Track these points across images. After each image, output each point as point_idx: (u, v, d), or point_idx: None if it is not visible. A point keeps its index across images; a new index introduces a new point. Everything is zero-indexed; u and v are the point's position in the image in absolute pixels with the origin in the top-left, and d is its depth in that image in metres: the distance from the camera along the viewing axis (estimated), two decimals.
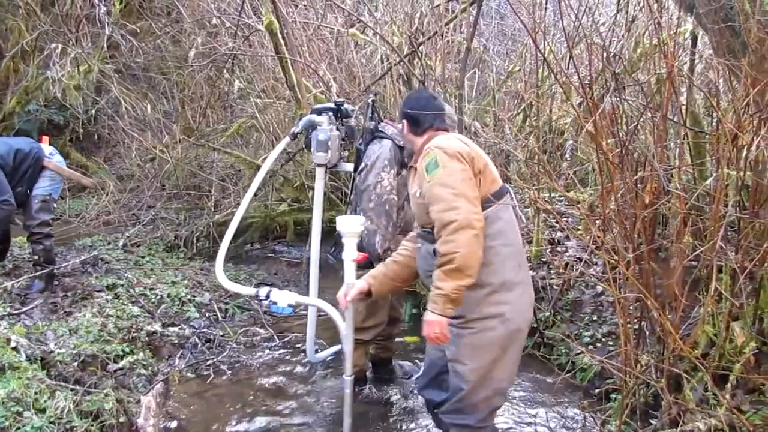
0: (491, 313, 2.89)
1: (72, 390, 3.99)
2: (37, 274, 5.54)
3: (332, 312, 3.67)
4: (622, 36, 6.00)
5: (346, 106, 4.31)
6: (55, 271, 5.80)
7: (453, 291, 2.76)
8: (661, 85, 3.96)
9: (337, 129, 4.24)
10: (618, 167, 3.44)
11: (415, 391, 4.43)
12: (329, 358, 4.99)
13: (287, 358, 5.18)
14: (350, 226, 3.55)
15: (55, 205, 5.88)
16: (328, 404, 4.45)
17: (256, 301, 6.24)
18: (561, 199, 6.49)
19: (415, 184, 3.07)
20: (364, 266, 4.21)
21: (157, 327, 5.23)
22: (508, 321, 2.89)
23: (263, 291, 3.67)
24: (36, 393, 3.76)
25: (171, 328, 5.34)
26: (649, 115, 3.69)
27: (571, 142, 7.39)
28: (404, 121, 3.30)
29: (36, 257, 5.59)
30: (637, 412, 3.66)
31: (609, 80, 4.00)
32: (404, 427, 4.15)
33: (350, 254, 3.53)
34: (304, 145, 4.48)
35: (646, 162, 3.64)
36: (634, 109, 4.21)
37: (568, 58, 5.88)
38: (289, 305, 3.67)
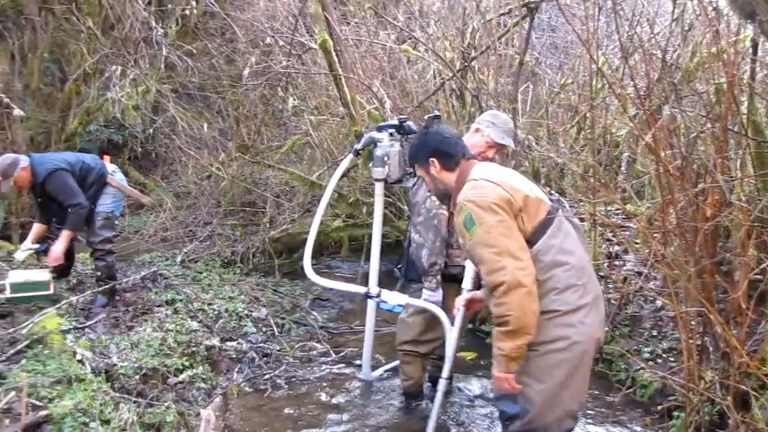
0: (557, 336, 2.79)
1: (135, 402, 4.09)
2: (99, 289, 5.67)
3: (439, 313, 3.91)
4: (678, 45, 5.91)
5: (409, 122, 4.36)
6: (117, 286, 5.94)
7: (513, 351, 2.75)
8: (720, 95, 3.89)
9: (401, 145, 4.28)
10: (678, 179, 3.39)
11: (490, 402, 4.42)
12: (387, 375, 5.01)
13: (343, 372, 5.20)
14: None
15: (116, 222, 6.03)
16: (384, 419, 4.44)
17: (311, 319, 6.30)
18: (618, 212, 6.40)
19: (458, 233, 3.02)
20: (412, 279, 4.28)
21: (216, 341, 5.30)
22: (575, 344, 2.79)
23: (374, 290, 3.81)
24: (101, 405, 3.86)
25: (229, 343, 5.41)
26: (709, 125, 3.63)
27: (627, 154, 7.28)
28: (432, 160, 3.12)
29: (99, 273, 5.74)
30: (702, 430, 3.57)
31: (666, 90, 3.94)
32: None
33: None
34: (360, 165, 4.60)
35: (707, 173, 3.58)
36: (692, 120, 4.13)
37: (623, 68, 5.82)
38: (399, 305, 3.95)
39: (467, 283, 3.70)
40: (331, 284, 4.69)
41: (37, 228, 5.67)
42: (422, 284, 4.20)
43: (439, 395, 3.79)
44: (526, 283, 2.68)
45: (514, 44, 7.56)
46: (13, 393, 3.60)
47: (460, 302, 3.46)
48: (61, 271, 5.96)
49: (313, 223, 4.61)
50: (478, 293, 3.43)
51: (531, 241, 2.80)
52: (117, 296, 5.86)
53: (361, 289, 4.12)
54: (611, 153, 7.27)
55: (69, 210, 5.37)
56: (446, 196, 3.19)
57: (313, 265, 4.40)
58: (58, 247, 5.39)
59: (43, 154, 5.86)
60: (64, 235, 5.41)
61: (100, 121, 10.52)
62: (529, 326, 2.72)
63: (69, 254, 5.96)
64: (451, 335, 3.72)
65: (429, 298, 4.07)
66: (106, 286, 5.70)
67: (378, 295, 3.95)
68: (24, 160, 5.31)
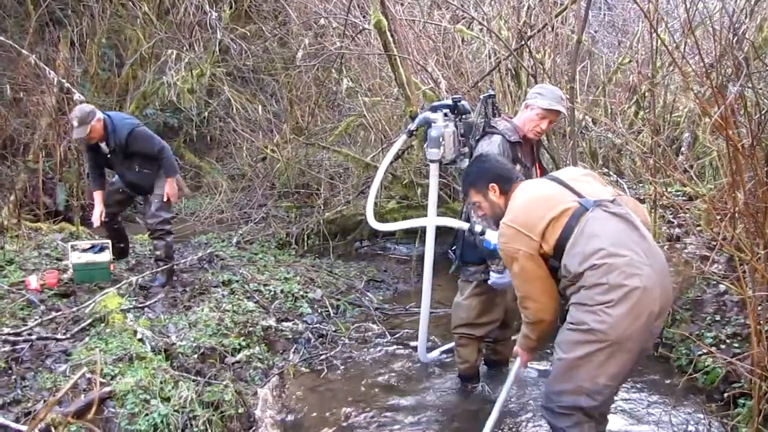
0: (581, 320, 3.00)
1: (194, 381, 4.15)
2: (159, 269, 5.78)
3: None
4: (745, 18, 5.70)
5: (463, 102, 4.26)
6: (174, 267, 6.04)
7: (534, 342, 3.40)
8: None
9: (455, 125, 4.21)
10: (748, 158, 3.26)
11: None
12: (442, 357, 4.99)
13: (399, 354, 5.20)
14: None
15: (173, 204, 6.15)
16: (440, 401, 4.43)
17: (366, 300, 6.31)
18: (678, 193, 6.23)
19: None
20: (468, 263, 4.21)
21: (272, 322, 5.35)
22: (592, 330, 2.94)
23: (478, 227, 3.78)
24: (161, 382, 3.94)
25: (285, 323, 5.45)
26: None
27: (688, 134, 7.09)
28: (493, 186, 3.42)
29: (158, 252, 5.84)
30: None
31: (734, 65, 3.79)
32: (515, 426, 4.09)
33: None
34: (413, 146, 4.53)
35: None
36: (762, 96, 3.98)
37: (684, 44, 5.65)
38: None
39: None
40: (415, 222, 4.51)
41: (99, 195, 5.85)
42: (481, 267, 4.16)
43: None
44: (546, 320, 3.23)
45: (571, 23, 7.40)
46: (84, 369, 3.68)
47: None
48: (120, 252, 6.10)
49: (372, 187, 4.58)
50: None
51: (556, 256, 3.10)
52: (174, 276, 5.95)
53: (464, 225, 3.90)
54: (671, 133, 7.09)
55: (160, 156, 5.68)
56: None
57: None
58: (171, 190, 5.77)
59: (118, 113, 6.17)
60: (168, 181, 5.75)
61: (156, 104, 10.67)
62: (545, 338, 3.38)
63: (123, 235, 6.10)
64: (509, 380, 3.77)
65: (497, 281, 4.02)
66: (165, 267, 5.80)
67: (482, 233, 3.80)
68: (100, 114, 5.52)
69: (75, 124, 5.39)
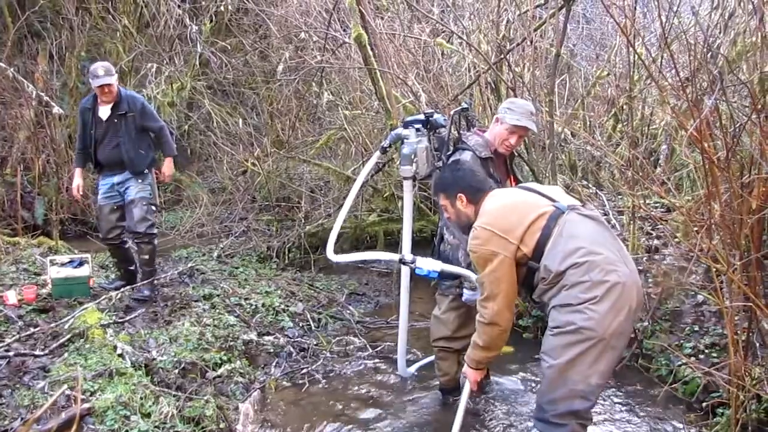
0: (566, 321, 3.04)
1: (174, 396, 4.13)
2: (141, 284, 5.76)
3: (469, 274, 3.88)
4: (719, 33, 5.78)
5: (436, 116, 4.27)
6: (155, 281, 5.99)
7: (481, 360, 3.49)
8: (765, 84, 3.80)
9: (429, 140, 4.23)
10: (723, 170, 3.31)
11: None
12: (421, 370, 4.99)
13: (380, 367, 5.20)
14: None
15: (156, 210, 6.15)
16: (421, 414, 4.43)
17: (347, 313, 6.30)
18: (656, 205, 6.30)
19: None
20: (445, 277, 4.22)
21: (253, 336, 5.33)
22: (581, 329, 2.99)
23: (408, 256, 3.90)
24: (141, 398, 3.92)
25: (266, 337, 5.43)
26: (755, 116, 3.54)
27: (665, 146, 7.17)
28: (460, 195, 3.49)
29: (145, 256, 5.83)
30: (749, 428, 3.49)
31: (709, 79, 3.85)
32: None
33: None
34: (396, 159, 4.53)
35: (752, 165, 3.49)
36: (736, 110, 4.04)
37: (660, 58, 5.72)
38: (434, 270, 3.89)
39: None
40: (360, 256, 4.69)
41: (80, 171, 5.90)
42: (456, 281, 4.18)
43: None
44: (503, 325, 3.29)
45: (550, 36, 7.47)
46: (65, 386, 3.65)
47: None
48: (131, 276, 6.03)
49: (338, 216, 4.57)
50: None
51: (535, 258, 3.16)
52: (156, 291, 5.91)
53: (395, 256, 4.05)
54: (649, 145, 7.15)
55: (161, 133, 5.86)
56: (468, 227, 3.45)
57: None
58: (170, 170, 6.03)
59: None
60: (169, 161, 6.02)
61: None
62: (494, 349, 3.42)
63: (130, 256, 6.06)
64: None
65: (470, 298, 4.03)
66: (147, 280, 5.77)
67: (413, 262, 3.90)
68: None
69: (101, 72, 5.43)
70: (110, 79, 5.46)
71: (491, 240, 3.19)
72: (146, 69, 9.77)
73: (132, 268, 6.04)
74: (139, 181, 5.71)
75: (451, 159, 4.16)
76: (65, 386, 3.66)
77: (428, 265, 3.88)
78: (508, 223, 3.21)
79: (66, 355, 4.40)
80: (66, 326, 4.81)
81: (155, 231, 5.91)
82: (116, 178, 5.72)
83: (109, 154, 5.67)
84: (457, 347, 4.32)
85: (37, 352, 4.41)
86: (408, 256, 3.93)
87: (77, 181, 5.84)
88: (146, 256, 5.83)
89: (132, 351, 4.55)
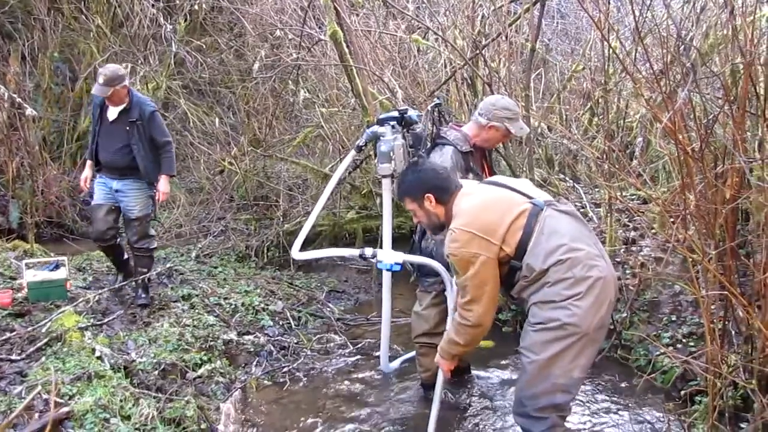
0: (549, 318, 3.06)
1: (155, 398, 4.11)
2: (140, 286, 5.70)
3: (437, 266, 3.85)
4: (692, 27, 5.83)
5: (410, 113, 4.24)
6: (138, 281, 5.91)
7: (458, 353, 3.52)
8: (737, 76, 3.84)
9: (403, 137, 4.21)
10: (697, 161, 3.34)
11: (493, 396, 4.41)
12: (403, 366, 5.00)
13: (361, 364, 5.20)
14: None
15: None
16: (403, 410, 4.45)
17: (327, 311, 6.29)
18: (633, 197, 6.35)
19: None
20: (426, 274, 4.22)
21: (233, 335, 5.31)
22: (565, 324, 3.02)
23: (369, 251, 3.85)
24: (121, 400, 3.89)
25: (246, 337, 5.41)
26: (727, 107, 3.57)
27: (640, 138, 7.22)
28: (428, 196, 3.39)
29: (144, 269, 5.73)
30: (726, 415, 3.54)
31: (683, 72, 3.89)
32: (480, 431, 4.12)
33: None
34: (373, 155, 4.50)
35: (725, 155, 3.53)
36: (708, 101, 4.08)
37: (634, 52, 5.77)
38: (397, 263, 3.84)
39: None
40: (322, 253, 4.66)
41: (90, 162, 5.73)
42: (438, 278, 4.18)
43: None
44: (484, 324, 3.26)
45: (525, 31, 7.50)
46: (39, 388, 3.61)
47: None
48: (127, 274, 5.96)
49: (309, 216, 4.50)
50: None
51: (518, 257, 3.14)
52: (134, 292, 5.86)
53: (355, 252, 3.96)
54: (625, 137, 7.21)
55: (165, 148, 5.57)
56: (440, 228, 3.44)
57: (329, 257, 4.44)
58: (166, 188, 5.63)
59: None
60: (165, 179, 5.61)
61: None
62: (473, 345, 3.45)
63: (123, 251, 5.98)
64: None
65: None
66: (142, 283, 5.71)
67: (373, 256, 3.85)
68: (127, 81, 5.50)
69: (100, 81, 5.23)
70: (107, 90, 5.23)
71: (472, 242, 3.13)
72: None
73: (125, 258, 5.98)
74: (141, 196, 5.59)
75: (431, 153, 4.17)
76: (39, 388, 3.62)
77: (389, 257, 3.84)
78: (487, 223, 3.16)
79: (43, 359, 4.35)
80: (43, 330, 4.75)
81: (155, 244, 5.88)
82: (116, 184, 5.55)
83: (112, 157, 5.51)
84: (438, 343, 4.32)
85: (13, 357, 4.36)
86: (368, 251, 3.85)
87: (86, 173, 5.72)
88: (145, 269, 5.75)
89: (111, 353, 4.52)
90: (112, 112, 5.47)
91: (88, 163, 5.76)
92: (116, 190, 5.56)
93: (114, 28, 10.55)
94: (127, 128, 5.43)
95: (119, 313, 5.37)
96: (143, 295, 5.66)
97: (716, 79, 4.24)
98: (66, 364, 4.22)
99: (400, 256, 3.87)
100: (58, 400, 3.73)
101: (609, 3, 5.67)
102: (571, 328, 3.00)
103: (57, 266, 5.64)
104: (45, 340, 4.59)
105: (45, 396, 3.75)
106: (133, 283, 5.76)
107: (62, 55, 10.19)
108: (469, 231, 3.14)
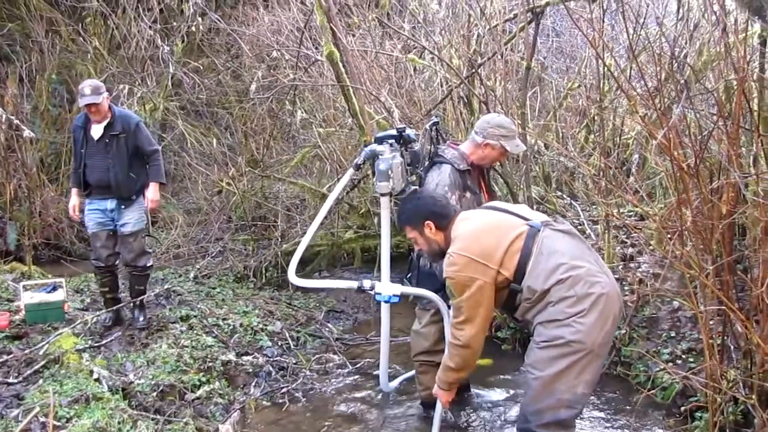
0: (554, 336, 3.07)
1: (153, 419, 4.09)
2: (138, 307, 5.69)
3: (435, 297, 3.85)
4: (685, 44, 5.88)
5: (408, 131, 4.23)
6: (131, 304, 5.90)
7: (453, 381, 3.55)
8: (730, 92, 3.87)
9: (402, 155, 4.21)
10: (692, 177, 3.36)
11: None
12: (402, 384, 4.98)
13: (360, 384, 5.18)
14: None
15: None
16: (403, 429, 4.42)
17: (326, 331, 6.28)
18: (630, 214, 6.36)
19: None
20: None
21: (232, 356, 5.29)
22: (570, 342, 3.03)
23: (367, 283, 3.82)
24: (119, 423, 3.87)
25: (245, 357, 5.39)
26: (721, 123, 3.60)
27: (636, 155, 7.25)
28: (428, 223, 3.46)
29: (141, 287, 5.72)
30: (726, 430, 3.53)
31: (677, 89, 3.92)
32: None
33: None
34: (371, 174, 4.48)
35: (720, 171, 3.55)
36: (703, 117, 4.11)
37: (629, 69, 5.81)
38: (395, 295, 3.83)
39: None
40: (319, 284, 4.64)
41: (76, 191, 5.66)
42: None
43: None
44: (474, 347, 3.30)
45: (520, 50, 7.55)
46: (36, 411, 3.59)
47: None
48: (117, 311, 5.77)
49: (305, 236, 4.40)
50: None
51: (517, 280, 3.16)
52: (131, 314, 5.84)
53: (353, 284, 3.93)
54: (621, 154, 7.24)
55: (152, 157, 5.53)
56: (440, 255, 3.44)
57: (326, 277, 4.41)
58: (155, 196, 5.56)
59: None
60: (154, 186, 5.56)
61: None
62: (466, 369, 3.47)
63: (117, 287, 5.88)
64: None
65: None
66: (140, 302, 5.70)
67: (371, 288, 3.84)
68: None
69: (87, 92, 5.17)
70: (97, 98, 5.19)
71: (468, 266, 3.17)
72: (118, 90, 9.67)
73: (117, 292, 5.86)
74: (134, 209, 5.51)
75: (426, 181, 4.18)
76: (36, 410, 3.60)
77: (388, 290, 3.83)
78: (485, 247, 3.19)
79: (41, 381, 4.34)
80: (40, 352, 4.74)
81: (152, 261, 5.84)
82: (109, 204, 5.47)
83: (99, 176, 5.41)
84: (438, 360, 4.27)
85: (10, 380, 4.35)
86: (366, 282, 3.82)
87: (73, 201, 5.62)
88: (142, 287, 5.74)
89: (109, 375, 4.50)
90: (96, 130, 5.39)
91: (74, 190, 5.67)
92: (111, 210, 5.48)
93: (111, 49, 10.62)
94: (107, 141, 5.37)
95: (117, 334, 5.35)
96: (141, 319, 5.64)
97: (710, 96, 4.28)
98: (63, 386, 4.21)
99: (398, 288, 3.86)
100: (56, 423, 3.71)
101: (603, 21, 5.71)
102: (576, 345, 3.01)
103: (54, 288, 5.63)
104: (42, 363, 4.58)
105: (42, 419, 3.73)
106: (131, 304, 5.73)
107: (60, 76, 10.23)
108: (467, 255, 3.18)
